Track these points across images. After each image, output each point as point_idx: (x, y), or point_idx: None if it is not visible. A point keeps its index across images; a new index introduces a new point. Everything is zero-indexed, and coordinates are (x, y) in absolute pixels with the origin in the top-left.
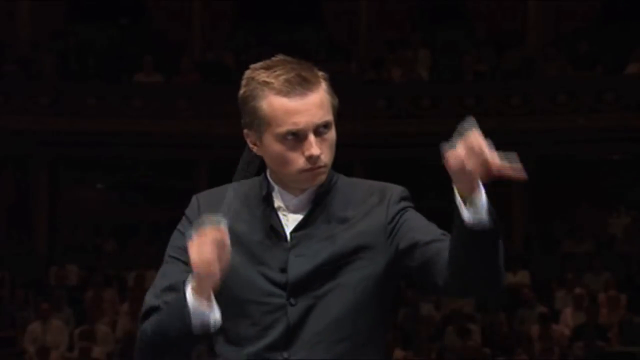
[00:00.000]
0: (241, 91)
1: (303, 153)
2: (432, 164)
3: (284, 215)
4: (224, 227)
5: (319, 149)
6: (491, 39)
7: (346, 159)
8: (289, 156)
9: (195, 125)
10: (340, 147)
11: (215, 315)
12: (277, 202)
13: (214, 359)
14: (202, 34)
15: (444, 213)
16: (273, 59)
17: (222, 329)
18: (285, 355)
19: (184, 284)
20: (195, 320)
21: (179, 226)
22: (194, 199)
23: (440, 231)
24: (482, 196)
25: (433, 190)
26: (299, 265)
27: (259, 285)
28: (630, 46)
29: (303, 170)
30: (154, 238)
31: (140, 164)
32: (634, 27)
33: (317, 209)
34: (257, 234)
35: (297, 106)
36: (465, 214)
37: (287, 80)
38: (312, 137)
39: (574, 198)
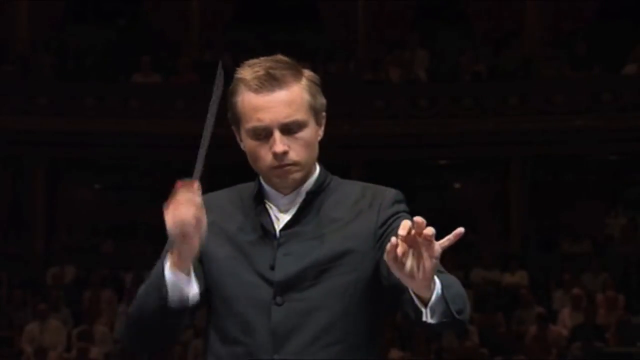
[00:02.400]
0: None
1: (270, 150)
2: (430, 164)
3: (275, 214)
4: (197, 187)
5: (285, 146)
6: (489, 39)
7: (344, 160)
8: (259, 152)
9: (193, 126)
10: (338, 147)
11: (193, 289)
12: (268, 201)
13: (209, 358)
14: (200, 34)
15: (441, 213)
16: (265, 57)
17: (215, 328)
18: (276, 357)
19: (163, 261)
20: (172, 294)
21: None
22: None
23: None
24: (437, 292)
25: (430, 190)
26: (287, 265)
27: (247, 279)
28: (627, 46)
29: (272, 167)
30: (151, 239)
31: (138, 165)
32: (631, 28)
33: (307, 208)
34: (248, 232)
35: (263, 103)
36: (424, 315)
37: (257, 77)
38: (277, 134)
39: (572, 198)
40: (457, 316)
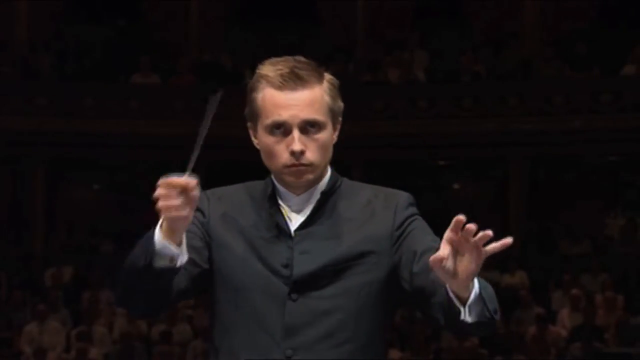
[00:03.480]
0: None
1: (287, 148)
2: (430, 164)
3: (288, 214)
4: (191, 179)
5: (303, 145)
6: (488, 40)
7: (343, 160)
8: (275, 149)
9: (192, 127)
10: (338, 148)
11: (182, 256)
12: (281, 201)
13: (219, 348)
14: (199, 35)
15: (440, 213)
16: (286, 57)
17: (224, 319)
18: (289, 353)
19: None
20: (160, 255)
21: None
22: (202, 193)
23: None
24: (475, 292)
25: (430, 191)
26: (304, 263)
27: (262, 274)
28: (626, 47)
29: (287, 166)
30: None
31: (137, 165)
32: (630, 29)
33: (321, 209)
34: (261, 229)
35: (285, 100)
36: (462, 314)
37: (281, 75)
38: (296, 133)
39: (571, 199)
40: (494, 316)
